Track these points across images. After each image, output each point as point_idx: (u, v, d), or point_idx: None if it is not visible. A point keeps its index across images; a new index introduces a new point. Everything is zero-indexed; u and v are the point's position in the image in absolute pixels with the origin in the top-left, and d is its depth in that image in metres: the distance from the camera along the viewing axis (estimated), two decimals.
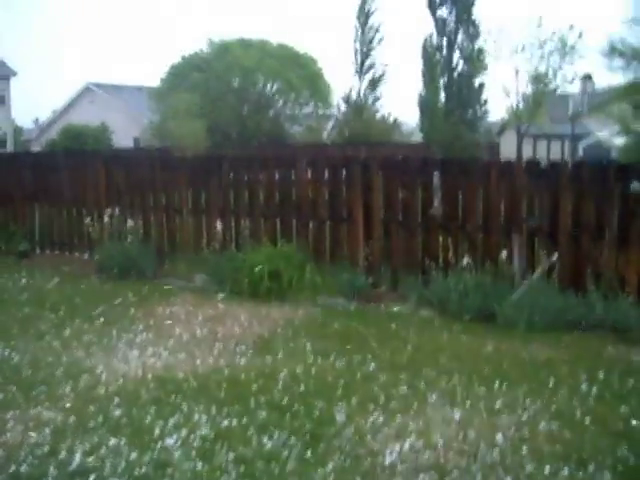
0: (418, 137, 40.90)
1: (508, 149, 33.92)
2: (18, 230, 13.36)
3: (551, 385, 6.39)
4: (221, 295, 9.88)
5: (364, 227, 10.12)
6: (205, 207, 11.51)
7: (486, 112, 39.57)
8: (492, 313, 8.47)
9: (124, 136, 37.47)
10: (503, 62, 31.00)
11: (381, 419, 5.64)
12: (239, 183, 11.28)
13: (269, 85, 36.29)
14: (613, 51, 15.83)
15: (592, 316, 8.17)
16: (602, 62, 16.35)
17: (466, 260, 9.05)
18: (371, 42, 43.09)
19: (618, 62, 16.13)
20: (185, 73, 34.55)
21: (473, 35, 38.78)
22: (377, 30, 43.20)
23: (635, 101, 15.81)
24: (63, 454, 5.03)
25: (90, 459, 4.95)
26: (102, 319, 8.71)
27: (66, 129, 32.84)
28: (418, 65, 39.73)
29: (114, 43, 75.27)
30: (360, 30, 43.09)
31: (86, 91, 48.51)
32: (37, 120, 68.30)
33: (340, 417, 5.67)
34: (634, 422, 5.58)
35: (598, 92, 37.09)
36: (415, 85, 38.77)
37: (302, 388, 6.32)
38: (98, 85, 47.57)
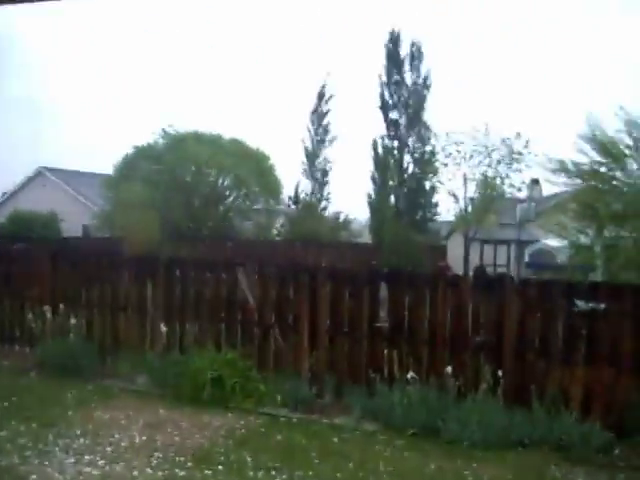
0: (367, 236, 41.16)
1: (455, 252, 34.26)
2: None
3: None
4: (162, 400, 9.71)
5: (309, 336, 10.10)
6: (150, 308, 11.39)
7: (436, 214, 40.09)
8: (437, 427, 8.43)
9: (74, 223, 37.22)
10: (452, 167, 31.35)
11: None
12: (185, 285, 11.22)
13: (220, 180, 36.42)
14: (559, 169, 16.23)
15: (536, 433, 8.19)
16: (546, 174, 16.72)
17: (411, 373, 9.03)
18: (323, 141, 43.76)
19: (562, 178, 16.51)
20: (138, 163, 34.54)
21: (424, 138, 39.49)
22: (328, 130, 43.93)
23: (576, 213, 16.17)
24: None
25: None
26: (38, 422, 8.48)
27: (14, 215, 32.55)
28: (369, 165, 40.31)
29: (69, 127, 75.53)
30: (312, 129, 43.79)
31: (38, 175, 48.18)
32: None
33: None
34: None
35: (545, 198, 37.89)
36: (365, 184, 39.40)
37: None
38: (51, 169, 47.28)
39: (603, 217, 15.02)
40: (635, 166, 15.25)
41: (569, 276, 16.00)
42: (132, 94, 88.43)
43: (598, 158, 15.55)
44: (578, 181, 16.19)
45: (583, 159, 15.82)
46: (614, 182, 15.38)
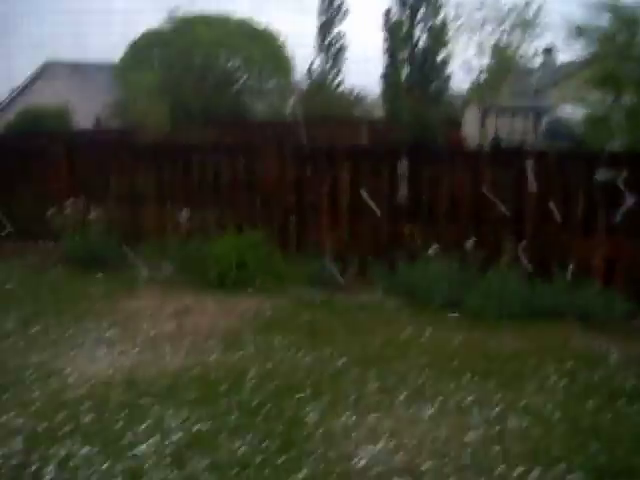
0: (382, 110, 40.71)
1: (471, 124, 33.95)
2: None
3: (520, 378, 6.45)
4: (187, 287, 9.83)
5: (331, 215, 10.10)
6: (170, 195, 11.40)
7: (449, 86, 39.54)
8: (460, 301, 8.52)
9: (85, 115, 36.95)
10: (464, 37, 30.78)
11: (353, 419, 5.65)
12: (205, 171, 11.19)
13: (231, 62, 35.94)
14: (578, 33, 15.88)
15: (559, 303, 8.26)
16: (561, 41, 16.48)
17: (433, 248, 9.06)
18: (335, 15, 42.89)
19: (581, 42, 16.18)
20: (146, 50, 34.08)
21: (435, 9, 38.61)
22: (341, 3, 43.01)
23: (594, 81, 15.88)
24: (35, 465, 4.97)
25: (63, 470, 4.90)
26: (68, 315, 8.60)
27: (24, 110, 32.25)
28: (381, 38, 39.58)
29: (74, 18, 73.95)
30: (323, 4, 42.87)
31: (46, 69, 47.58)
32: None
33: (312, 417, 5.68)
34: (601, 417, 5.65)
35: (560, 66, 37.28)
36: (379, 59, 38.66)
37: (273, 386, 6.31)
38: (58, 63, 46.66)
39: (624, 84, 14.76)
40: None
41: (587, 145, 15.85)
42: None
43: (614, 27, 15.21)
44: (596, 47, 15.85)
45: (601, 25, 15.48)
46: (630, 51, 15.06)
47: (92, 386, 6.41)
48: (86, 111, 37.72)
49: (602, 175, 8.43)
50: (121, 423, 5.60)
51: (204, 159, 11.24)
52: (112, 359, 7.13)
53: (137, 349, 7.40)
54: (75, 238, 11.27)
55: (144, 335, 7.84)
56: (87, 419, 5.69)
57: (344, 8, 43.13)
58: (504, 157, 9.46)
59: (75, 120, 33.62)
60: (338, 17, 43.06)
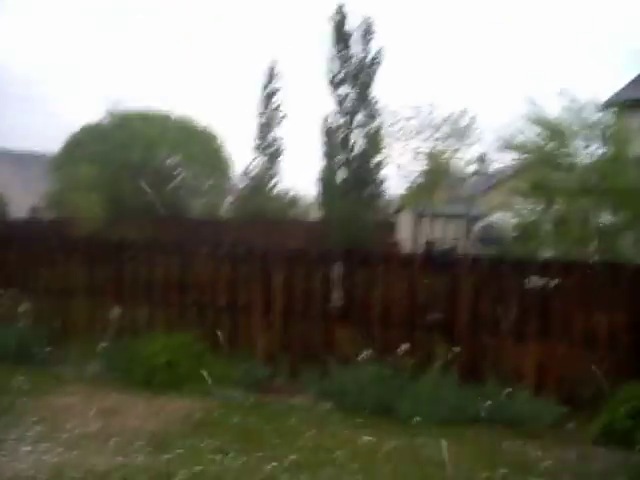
0: (317, 212, 41.17)
1: (405, 228, 34.45)
2: None
3: None
4: (115, 386, 9.64)
5: (263, 317, 10.07)
6: (101, 291, 11.25)
7: (384, 190, 40.15)
8: (392, 406, 8.49)
9: (20, 205, 36.68)
10: (400, 143, 31.49)
11: None
12: (137, 268, 11.10)
13: (169, 159, 36.17)
14: (508, 146, 16.40)
15: (490, 409, 8.27)
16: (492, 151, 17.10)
17: (365, 353, 9.05)
18: (272, 119, 43.56)
19: (511, 154, 16.73)
20: (85, 143, 34.14)
21: (372, 114, 39.45)
22: (279, 107, 43.74)
23: (524, 190, 16.34)
24: None
25: None
26: None
27: None
28: (318, 142, 40.23)
29: (11, 104, 73.86)
30: (262, 107, 43.56)
31: None
32: None
33: None
34: None
35: (492, 173, 38.18)
36: (316, 162, 39.18)
37: None
38: None
39: (554, 193, 15.18)
40: (582, 144, 15.45)
41: (518, 252, 16.16)
42: (76, 70, 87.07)
43: (543, 138, 15.75)
44: (526, 157, 16.35)
45: (530, 137, 16.00)
46: (559, 161, 15.56)
47: None
48: (21, 200, 37.40)
49: (533, 282, 8.58)
50: None
51: (137, 256, 11.15)
52: (36, 457, 6.91)
53: (62, 448, 7.19)
54: (2, 330, 11.02)
55: (69, 434, 7.63)
56: None
57: (281, 112, 43.85)
58: (437, 263, 9.56)
59: (10, 210, 33.28)
60: (276, 120, 43.71)
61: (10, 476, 6.42)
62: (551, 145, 15.54)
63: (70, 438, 7.52)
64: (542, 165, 15.66)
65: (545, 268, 8.88)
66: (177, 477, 6.45)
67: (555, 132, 15.30)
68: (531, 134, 15.85)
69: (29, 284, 11.79)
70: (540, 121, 15.56)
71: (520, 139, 16.04)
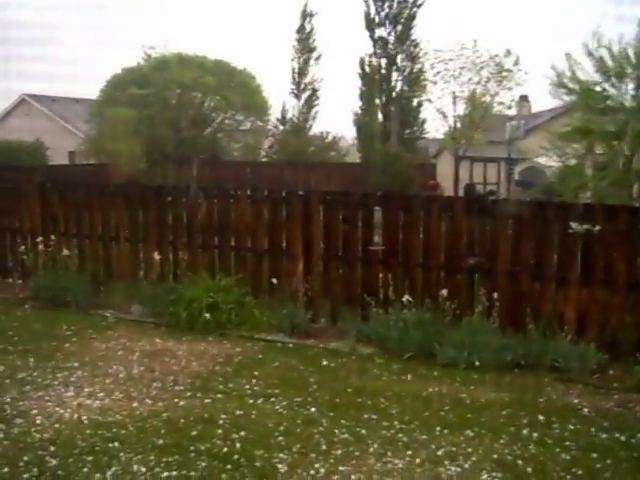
0: (356, 154, 41.03)
1: (445, 170, 34.21)
2: None
3: (492, 430, 6.42)
4: (158, 329, 9.75)
5: (304, 261, 10.07)
6: (142, 236, 11.32)
7: (424, 132, 39.91)
8: (433, 351, 8.48)
9: (60, 150, 36.90)
10: (440, 85, 31.13)
11: (323, 470, 5.59)
12: (177, 213, 11.12)
13: (207, 101, 36.08)
14: (557, 84, 16.20)
15: (532, 354, 8.25)
16: (541, 87, 16.96)
17: (406, 297, 9.04)
18: (309, 60, 43.30)
19: (559, 96, 16.52)
20: (123, 86, 34.12)
21: (413, 56, 39.05)
22: (315, 48, 43.45)
23: (567, 132, 16.13)
24: None
25: None
26: (35, 354, 8.51)
27: None
28: (357, 84, 40.01)
29: (50, 51, 73.51)
30: (298, 48, 43.27)
31: (21, 103, 47.57)
32: None
33: (282, 467, 5.61)
34: (574, 470, 5.62)
35: (534, 115, 37.69)
36: (354, 104, 39.02)
37: (243, 434, 6.24)
38: (34, 97, 46.65)
39: (595, 136, 15.02)
40: (631, 86, 15.23)
41: (559, 195, 16.02)
42: (113, 15, 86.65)
43: (594, 75, 15.53)
44: (572, 98, 16.14)
45: (580, 75, 15.79)
46: (608, 102, 15.34)
47: (59, 429, 6.31)
48: (61, 145, 37.62)
49: (577, 226, 8.47)
50: (87, 468, 5.50)
51: (177, 201, 11.17)
52: (80, 401, 7.03)
53: (104, 392, 7.30)
54: (45, 276, 11.17)
55: (112, 378, 7.74)
56: (52, 463, 5.59)
57: (318, 53, 43.55)
58: (478, 206, 9.46)
59: (50, 155, 33.50)
60: (312, 61, 43.44)
61: (54, 421, 6.52)
62: (600, 86, 15.35)
63: (113, 382, 7.62)
64: (588, 106, 15.46)
65: (588, 212, 8.75)
66: (218, 421, 6.53)
67: (608, 70, 15.09)
68: (581, 74, 15.66)
69: (71, 229, 11.88)
70: (594, 56, 15.34)
71: (570, 78, 15.82)
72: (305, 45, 43.27)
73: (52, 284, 10.96)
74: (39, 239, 11.52)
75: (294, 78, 43.41)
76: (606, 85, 15.57)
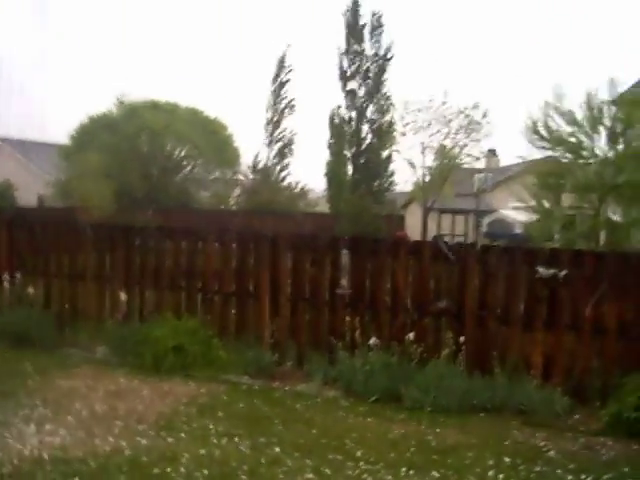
0: (325, 206, 41.21)
1: (413, 222, 34.45)
2: None
3: (459, 471, 6.40)
4: (123, 370, 9.64)
5: (271, 303, 10.06)
6: (109, 276, 11.25)
7: (393, 184, 40.18)
8: (399, 394, 8.47)
9: (29, 193, 36.80)
10: (410, 137, 31.50)
11: None
12: (145, 254, 11.08)
13: (177, 149, 36.20)
14: (535, 133, 16.46)
15: (498, 398, 8.27)
16: (508, 141, 17.27)
17: (373, 340, 9.04)
18: (283, 111, 43.62)
19: (539, 143, 16.75)
20: (94, 133, 34.20)
21: (383, 108, 39.48)
22: (288, 99, 43.82)
23: (544, 180, 16.34)
24: None
25: None
26: None
27: None
28: (328, 135, 40.30)
29: (23, 96, 73.46)
30: (272, 99, 43.62)
31: None
32: None
33: None
34: None
35: (501, 169, 38.19)
36: (324, 155, 39.26)
37: (206, 472, 6.16)
38: (4, 139, 46.59)
39: (567, 187, 15.23)
40: (603, 140, 15.50)
41: (527, 244, 16.17)
42: (86, 60, 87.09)
43: (565, 128, 15.80)
44: (545, 145, 16.38)
45: (553, 128, 16.06)
46: (583, 152, 15.59)
47: (18, 465, 6.20)
48: (30, 188, 37.50)
49: (544, 271, 8.55)
50: None
51: (146, 242, 11.14)
52: (41, 438, 6.91)
53: (66, 430, 7.18)
54: (10, 314, 11.04)
55: (74, 416, 7.63)
56: None
57: (291, 104, 43.91)
58: (446, 251, 9.51)
59: (18, 197, 33.41)
60: (285, 113, 43.78)
61: (15, 457, 6.40)
62: (574, 138, 15.61)
63: (76, 420, 7.51)
64: (563, 158, 15.71)
65: (555, 257, 8.84)
66: (181, 460, 6.44)
67: (578, 125, 15.35)
68: (554, 125, 15.92)
69: (38, 268, 11.78)
70: (564, 113, 15.60)
71: (544, 130, 16.08)
72: (279, 95, 43.63)
73: (16, 322, 10.81)
74: (5, 276, 11.40)
75: (267, 129, 43.70)
76: (581, 135, 15.83)
